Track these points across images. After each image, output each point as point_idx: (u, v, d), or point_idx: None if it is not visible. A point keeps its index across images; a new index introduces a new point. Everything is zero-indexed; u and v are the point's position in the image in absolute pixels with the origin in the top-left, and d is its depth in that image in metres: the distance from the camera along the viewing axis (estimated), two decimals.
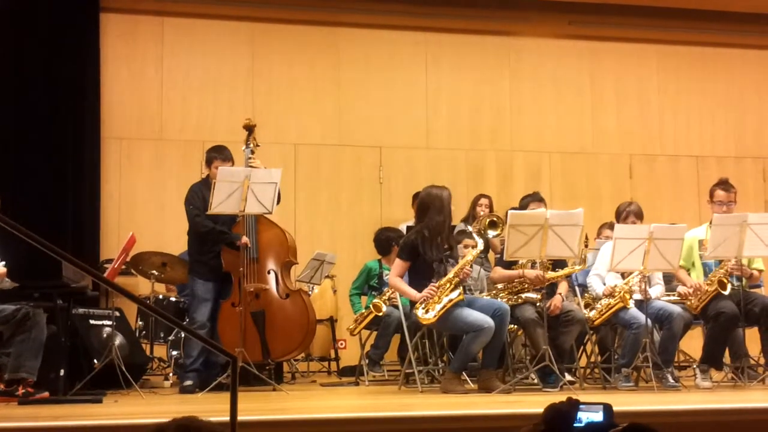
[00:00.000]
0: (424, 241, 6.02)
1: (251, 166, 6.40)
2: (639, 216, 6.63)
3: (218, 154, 6.58)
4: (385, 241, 7.64)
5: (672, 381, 6.05)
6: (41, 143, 8.54)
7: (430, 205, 6.14)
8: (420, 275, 6.04)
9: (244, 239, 6.33)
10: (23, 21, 8.64)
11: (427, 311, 5.87)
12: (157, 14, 9.13)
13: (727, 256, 6.34)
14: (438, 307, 5.83)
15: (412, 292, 5.98)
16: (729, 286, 6.29)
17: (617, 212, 6.76)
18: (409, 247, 6.10)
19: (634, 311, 6.15)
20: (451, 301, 5.82)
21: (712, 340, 6.35)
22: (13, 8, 8.68)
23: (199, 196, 6.47)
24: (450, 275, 5.92)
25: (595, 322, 6.29)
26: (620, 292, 6.19)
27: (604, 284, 6.42)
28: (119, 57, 8.98)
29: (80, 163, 8.63)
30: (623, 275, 6.37)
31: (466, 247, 6.28)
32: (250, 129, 6.63)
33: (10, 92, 8.63)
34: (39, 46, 8.64)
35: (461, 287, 5.90)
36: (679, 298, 6.50)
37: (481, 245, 6.22)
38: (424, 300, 5.87)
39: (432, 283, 5.91)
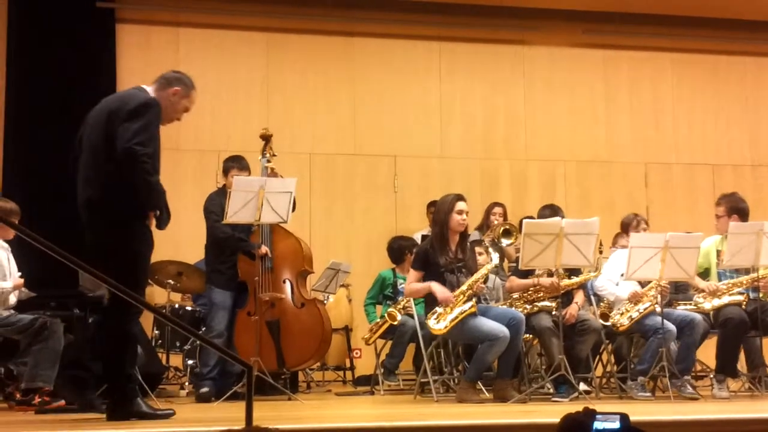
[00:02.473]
0: (434, 250, 6.01)
1: (273, 174, 6.42)
2: (647, 223, 6.68)
3: (235, 163, 6.61)
4: (398, 250, 7.64)
5: (690, 390, 6.02)
6: (58, 153, 8.59)
7: (435, 213, 6.18)
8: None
9: (264, 249, 6.34)
10: (39, 32, 8.72)
11: (438, 321, 5.86)
12: (173, 25, 9.19)
13: (744, 265, 6.33)
14: (450, 317, 5.82)
15: (426, 285, 5.93)
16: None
17: (624, 224, 6.77)
18: (420, 257, 6.10)
19: (659, 318, 6.12)
20: (463, 312, 5.79)
21: (723, 348, 6.34)
22: (28, 20, 8.76)
23: (217, 203, 6.49)
24: (464, 287, 5.90)
25: (621, 329, 6.23)
26: (649, 296, 6.16)
27: (617, 285, 6.41)
28: (135, 67, 9.02)
29: None
30: (641, 284, 6.35)
31: (480, 254, 6.27)
32: (266, 139, 6.65)
33: (27, 103, 8.71)
34: (55, 57, 8.72)
35: (474, 299, 5.87)
36: (695, 307, 6.48)
37: (496, 259, 6.17)
38: (445, 301, 5.84)
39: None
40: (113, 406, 4.52)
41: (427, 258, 6.02)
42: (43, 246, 3.68)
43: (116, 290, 3.99)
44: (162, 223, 4.69)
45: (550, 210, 6.54)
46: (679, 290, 6.76)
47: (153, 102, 4.60)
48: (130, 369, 4.57)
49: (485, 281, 6.63)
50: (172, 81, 4.83)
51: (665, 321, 6.07)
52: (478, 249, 6.29)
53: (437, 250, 5.99)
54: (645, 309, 6.16)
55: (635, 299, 6.24)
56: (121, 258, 4.52)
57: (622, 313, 6.27)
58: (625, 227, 6.81)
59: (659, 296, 6.18)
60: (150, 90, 4.77)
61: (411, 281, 6.13)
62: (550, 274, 6.21)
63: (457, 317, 5.79)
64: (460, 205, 6.07)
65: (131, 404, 4.49)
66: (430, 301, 6.01)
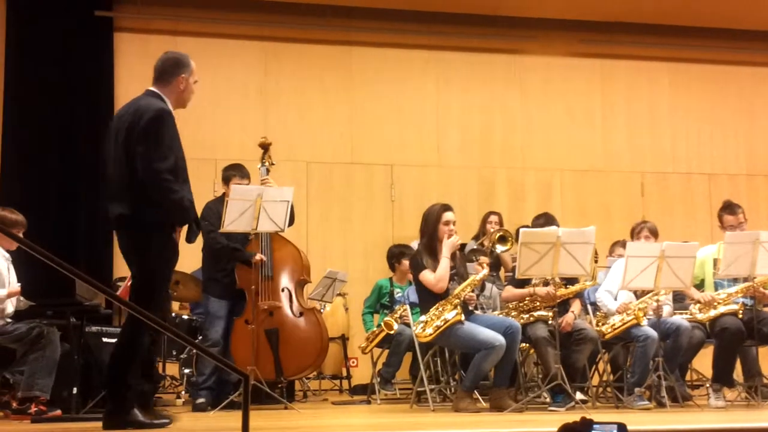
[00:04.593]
0: (424, 258, 6.02)
1: (266, 184, 6.41)
2: (654, 233, 6.64)
3: (236, 171, 6.62)
4: (390, 257, 7.74)
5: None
6: (56, 162, 8.62)
7: (423, 224, 6.19)
8: (427, 292, 6.02)
9: (259, 256, 6.34)
10: (37, 40, 8.73)
11: (424, 329, 5.88)
12: (171, 34, 9.21)
13: (740, 275, 6.34)
14: (434, 325, 5.84)
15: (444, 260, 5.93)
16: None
17: (632, 231, 6.80)
18: (419, 262, 6.10)
19: (645, 327, 6.13)
20: (447, 321, 5.81)
21: (719, 357, 6.36)
22: (27, 28, 8.78)
23: (214, 212, 6.48)
24: (450, 296, 5.91)
25: (606, 336, 6.27)
26: (635, 309, 6.18)
27: (615, 299, 6.42)
28: (133, 76, 9.03)
29: (94, 181, 8.69)
30: (636, 293, 6.36)
31: (478, 263, 6.27)
32: (265, 147, 6.65)
33: (25, 111, 8.72)
34: (53, 66, 8.74)
35: (459, 308, 5.87)
36: (691, 316, 6.49)
37: (485, 273, 6.15)
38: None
39: (441, 301, 5.92)
40: (110, 413, 4.52)
41: (423, 265, 6.02)
42: (42, 256, 3.68)
43: (113, 299, 3.99)
44: (191, 236, 4.72)
45: (545, 219, 6.56)
46: (675, 299, 6.78)
47: (161, 112, 4.62)
48: (133, 379, 4.58)
49: (482, 290, 6.63)
50: (171, 71, 4.82)
51: (649, 329, 6.09)
52: (483, 259, 6.27)
53: (427, 261, 6.00)
54: (628, 321, 6.17)
55: (624, 311, 6.25)
56: (141, 273, 4.60)
57: (609, 324, 6.31)
58: (632, 233, 6.84)
59: (651, 309, 6.20)
60: (158, 90, 4.79)
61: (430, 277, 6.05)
62: (546, 283, 6.22)
63: (440, 326, 5.81)
64: (447, 216, 6.08)
65: (128, 414, 4.49)
66: (424, 311, 6.02)
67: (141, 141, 4.53)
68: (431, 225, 6.07)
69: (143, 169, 4.50)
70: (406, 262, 7.56)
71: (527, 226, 6.42)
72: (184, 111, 9.38)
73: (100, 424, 4.60)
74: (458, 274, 6.09)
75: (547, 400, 6.19)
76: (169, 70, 4.81)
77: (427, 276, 5.97)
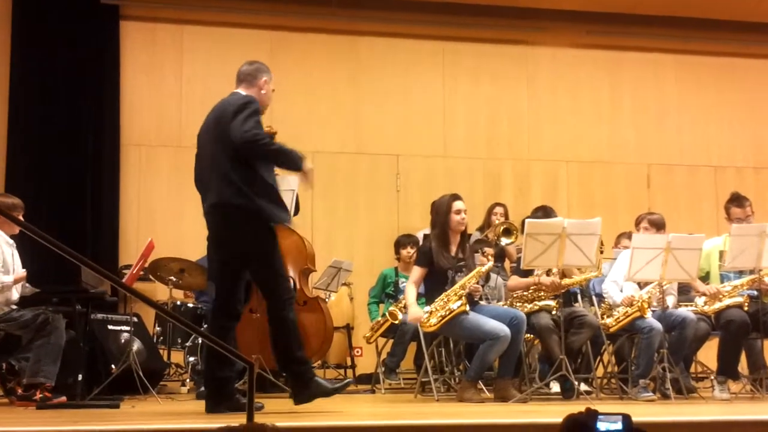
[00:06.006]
0: (435, 249, 6.03)
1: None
2: (655, 225, 6.59)
3: None
4: (394, 246, 7.74)
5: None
6: (61, 150, 8.62)
7: (433, 215, 6.19)
8: (435, 282, 6.04)
9: None
10: (43, 29, 8.73)
11: (428, 319, 5.89)
12: (177, 23, 9.20)
13: (746, 267, 6.33)
14: (441, 314, 5.85)
15: (412, 306, 6.04)
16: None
17: (636, 222, 6.79)
18: (423, 254, 6.11)
19: (650, 319, 6.13)
20: (451, 311, 5.81)
21: (724, 349, 6.35)
22: (33, 16, 8.78)
23: None
24: (456, 287, 5.92)
25: (611, 329, 6.27)
26: (639, 301, 6.17)
27: (621, 291, 6.41)
28: (139, 65, 9.05)
29: (100, 169, 8.71)
30: (640, 285, 6.36)
31: (484, 255, 6.27)
32: (271, 136, 6.62)
33: (31, 100, 8.72)
34: (59, 54, 8.73)
35: (464, 299, 5.87)
36: (696, 308, 6.48)
37: (490, 265, 6.17)
38: (414, 320, 6.10)
39: (446, 291, 5.93)
40: (295, 391, 4.87)
41: (432, 257, 6.03)
42: (46, 241, 3.68)
43: (119, 286, 3.99)
44: (298, 161, 4.88)
45: (543, 212, 6.56)
46: (680, 291, 6.77)
47: (251, 98, 4.91)
48: (300, 351, 4.84)
49: (486, 280, 6.64)
50: (256, 74, 5.09)
51: (654, 321, 6.08)
52: (488, 250, 6.29)
53: (439, 252, 6.00)
54: (632, 313, 6.16)
55: (629, 303, 6.24)
56: (257, 260, 4.85)
57: (614, 317, 6.30)
58: (636, 224, 6.84)
59: (656, 299, 6.20)
60: (241, 91, 5.04)
61: (414, 278, 6.11)
62: (548, 273, 6.22)
63: (444, 316, 5.82)
64: (458, 205, 6.09)
65: (310, 385, 4.82)
66: (430, 300, 6.03)
67: (234, 118, 4.74)
68: (442, 215, 6.09)
69: (238, 139, 4.69)
70: (405, 251, 7.59)
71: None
72: (190, 100, 9.45)
73: (104, 410, 4.65)
74: (467, 267, 6.09)
75: (552, 390, 6.19)
76: (253, 73, 5.11)
77: (413, 270, 6.18)
